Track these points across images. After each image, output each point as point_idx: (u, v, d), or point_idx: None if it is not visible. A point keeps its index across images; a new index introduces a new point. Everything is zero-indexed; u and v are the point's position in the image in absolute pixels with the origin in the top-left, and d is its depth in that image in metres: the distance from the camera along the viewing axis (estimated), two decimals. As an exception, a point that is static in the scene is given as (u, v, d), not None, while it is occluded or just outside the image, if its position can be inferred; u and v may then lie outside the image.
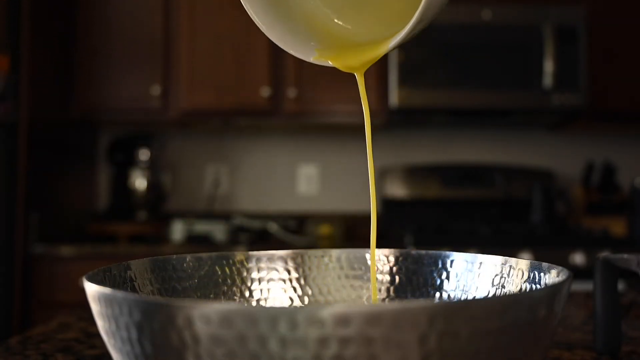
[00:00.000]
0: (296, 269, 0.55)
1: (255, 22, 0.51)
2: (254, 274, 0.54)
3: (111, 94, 2.36)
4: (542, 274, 0.44)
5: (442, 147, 2.69)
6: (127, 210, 2.47)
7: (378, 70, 2.35)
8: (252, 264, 0.54)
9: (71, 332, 0.66)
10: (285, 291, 0.55)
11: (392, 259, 0.55)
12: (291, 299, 0.55)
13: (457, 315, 0.30)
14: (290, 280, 0.55)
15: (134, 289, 0.46)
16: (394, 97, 2.27)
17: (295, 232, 2.49)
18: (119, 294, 0.32)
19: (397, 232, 2.29)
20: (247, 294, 0.54)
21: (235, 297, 0.53)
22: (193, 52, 2.35)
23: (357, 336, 0.29)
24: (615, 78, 2.37)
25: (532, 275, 0.46)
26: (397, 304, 0.29)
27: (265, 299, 0.54)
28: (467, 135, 2.69)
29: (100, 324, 0.35)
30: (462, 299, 0.51)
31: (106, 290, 0.33)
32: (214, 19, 2.35)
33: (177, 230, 2.27)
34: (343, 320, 0.29)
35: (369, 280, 0.55)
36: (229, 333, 0.30)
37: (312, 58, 0.51)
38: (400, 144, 2.68)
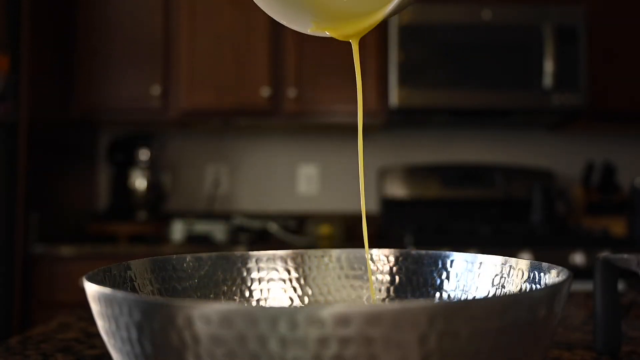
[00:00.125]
0: (296, 269, 0.55)
1: (258, 4, 0.51)
2: (254, 274, 0.54)
3: (111, 94, 2.36)
4: (542, 274, 0.44)
5: (442, 147, 2.69)
6: (127, 210, 2.47)
7: (378, 70, 2.35)
8: (252, 264, 0.54)
9: (71, 332, 0.66)
10: (285, 291, 0.55)
11: (392, 259, 0.55)
12: (291, 299, 0.55)
13: (457, 315, 0.30)
14: (290, 280, 0.55)
15: (134, 289, 0.46)
16: (394, 97, 2.27)
17: (295, 232, 2.49)
18: (119, 294, 0.32)
19: (397, 232, 2.29)
20: (247, 294, 0.54)
21: (235, 297, 0.53)
22: (193, 52, 2.35)
23: (357, 336, 0.29)
24: (615, 78, 2.38)
25: (532, 275, 0.46)
26: (397, 304, 0.29)
27: (265, 299, 0.54)
28: (467, 135, 2.69)
29: (100, 324, 0.35)
30: (462, 299, 0.51)
31: (106, 290, 0.33)
32: (214, 19, 2.35)
33: (177, 230, 2.27)
34: (343, 320, 0.29)
35: (369, 280, 0.55)
36: (229, 333, 0.30)
37: (309, 30, 0.51)
38: (400, 144, 2.68)
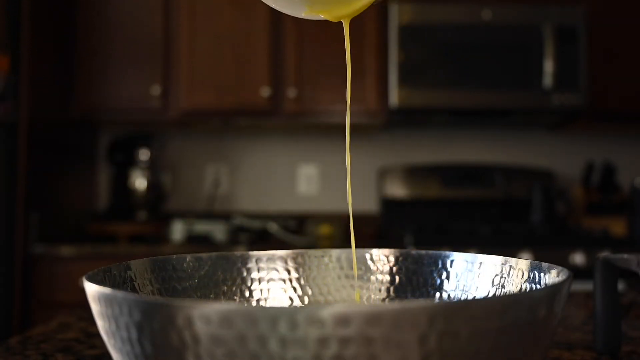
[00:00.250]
0: (296, 269, 0.55)
1: None
2: (254, 274, 0.54)
3: (111, 94, 2.36)
4: (542, 274, 0.44)
5: (442, 147, 2.69)
6: (127, 210, 2.47)
7: (378, 70, 2.35)
8: (252, 264, 0.54)
9: (71, 332, 0.66)
10: (285, 291, 0.55)
11: (392, 259, 0.55)
12: (291, 299, 0.55)
13: (457, 315, 0.30)
14: (290, 280, 0.55)
15: (134, 289, 0.46)
16: (394, 97, 2.27)
17: (295, 232, 2.49)
18: (119, 294, 0.32)
19: (397, 232, 2.29)
20: (247, 294, 0.54)
21: (235, 297, 0.53)
22: (193, 52, 2.35)
23: (357, 336, 0.29)
24: (615, 78, 2.38)
25: (532, 275, 0.46)
26: (397, 304, 0.29)
27: (265, 299, 0.54)
28: (467, 135, 2.69)
29: (100, 324, 0.35)
30: (462, 299, 0.51)
31: (106, 290, 0.33)
32: (214, 19, 2.35)
33: (177, 230, 2.27)
34: (343, 320, 0.29)
35: (369, 280, 0.55)
36: (229, 333, 0.30)
37: (303, 14, 0.52)
38: (400, 144, 2.68)
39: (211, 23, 2.36)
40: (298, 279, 0.55)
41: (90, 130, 2.60)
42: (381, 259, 0.56)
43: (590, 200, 2.50)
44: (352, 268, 0.56)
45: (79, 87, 2.36)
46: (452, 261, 0.53)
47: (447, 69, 2.29)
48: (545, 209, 2.35)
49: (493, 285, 0.49)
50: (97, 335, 0.65)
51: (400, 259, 0.55)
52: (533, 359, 0.35)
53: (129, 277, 0.46)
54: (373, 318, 0.29)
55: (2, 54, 2.01)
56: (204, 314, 0.30)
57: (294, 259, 0.55)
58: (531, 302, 0.33)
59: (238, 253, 0.54)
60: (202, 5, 2.36)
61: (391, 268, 0.55)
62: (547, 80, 2.25)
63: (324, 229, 2.45)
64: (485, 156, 2.68)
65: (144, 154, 2.47)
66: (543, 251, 2.00)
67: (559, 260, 1.98)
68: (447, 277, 0.53)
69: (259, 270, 0.55)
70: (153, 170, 2.48)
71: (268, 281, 0.55)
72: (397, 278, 0.55)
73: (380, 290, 0.55)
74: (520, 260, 0.48)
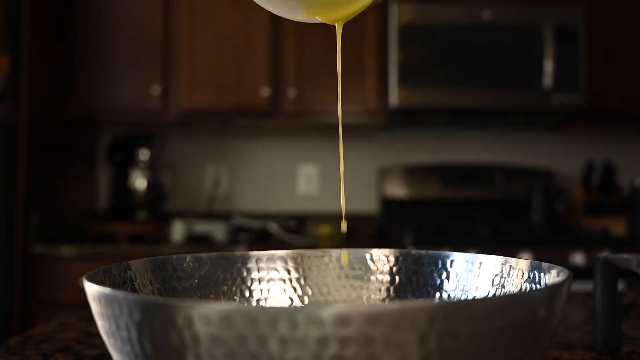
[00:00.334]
0: (296, 269, 0.55)
1: None
2: (254, 274, 0.54)
3: (111, 94, 2.36)
4: (542, 274, 0.44)
5: (442, 147, 2.69)
6: (127, 210, 2.47)
7: (378, 70, 2.35)
8: (252, 264, 0.54)
9: (71, 332, 0.66)
10: (285, 291, 0.55)
11: (392, 259, 0.55)
12: (291, 299, 0.55)
13: (457, 315, 0.30)
14: (290, 280, 0.55)
15: (134, 289, 0.46)
16: (394, 97, 2.27)
17: (295, 232, 2.49)
18: (119, 294, 0.32)
19: (397, 232, 2.29)
20: (247, 294, 0.54)
21: (235, 297, 0.53)
22: (193, 52, 2.35)
23: (357, 336, 0.29)
24: (615, 78, 2.38)
25: (532, 275, 0.46)
26: (397, 304, 0.29)
27: (265, 299, 0.54)
28: (467, 135, 2.69)
29: (100, 324, 0.35)
30: (462, 299, 0.51)
31: (106, 290, 0.33)
32: (214, 19, 2.35)
33: (177, 230, 2.27)
34: (343, 320, 0.29)
35: (369, 280, 0.55)
36: (229, 333, 0.30)
37: (299, 17, 0.52)
38: (400, 144, 2.68)
39: (211, 23, 2.36)
40: (298, 279, 0.55)
41: (90, 130, 2.60)
42: (381, 259, 0.56)
43: (590, 200, 2.50)
44: (352, 268, 0.56)
45: (79, 87, 2.36)
46: (452, 261, 0.53)
47: (447, 69, 2.29)
48: (545, 209, 2.35)
49: (493, 285, 0.49)
50: (97, 335, 0.65)
51: (400, 259, 0.55)
52: (533, 359, 0.35)
53: (129, 277, 0.46)
54: (373, 318, 0.29)
55: (2, 54, 2.01)
56: (204, 314, 0.30)
57: (294, 259, 0.55)
58: (531, 302, 0.33)
59: (238, 253, 0.54)
60: (202, 5, 2.36)
61: (391, 268, 0.55)
62: (547, 80, 2.25)
63: (324, 229, 2.45)
64: (485, 156, 2.68)
65: (144, 154, 2.47)
66: (543, 251, 2.00)
67: (559, 260, 1.98)
68: (447, 277, 0.53)
69: (259, 270, 0.55)
70: (153, 170, 2.48)
71: (268, 281, 0.55)
72: (397, 278, 0.55)
73: (380, 290, 0.55)
74: (520, 260, 0.48)
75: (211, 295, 0.52)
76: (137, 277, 0.47)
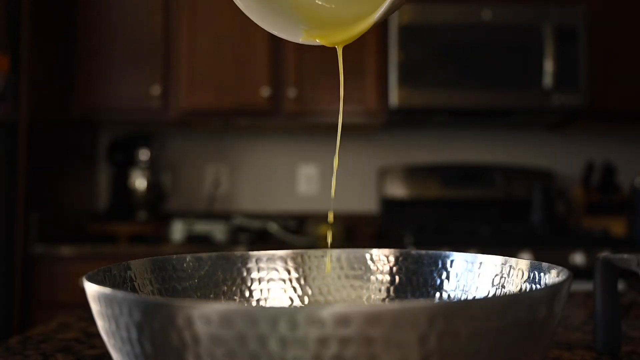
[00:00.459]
0: (296, 269, 0.55)
1: (247, 14, 0.52)
2: (254, 274, 0.54)
3: (111, 94, 2.36)
4: (542, 274, 0.44)
5: (442, 147, 2.69)
6: (127, 210, 2.47)
7: (378, 70, 2.35)
8: (252, 264, 0.54)
9: (71, 332, 0.66)
10: (285, 291, 0.55)
11: (392, 259, 0.55)
12: (291, 299, 0.55)
13: (457, 315, 0.30)
14: (290, 280, 0.55)
15: (134, 289, 0.46)
16: (394, 97, 2.27)
17: (295, 232, 2.49)
18: (119, 294, 0.32)
19: (397, 232, 2.29)
20: (247, 294, 0.54)
21: (235, 297, 0.53)
22: (193, 52, 2.35)
23: (357, 336, 0.29)
24: (615, 78, 2.38)
25: (532, 275, 0.46)
26: (397, 304, 0.29)
27: (265, 299, 0.54)
28: (467, 135, 2.69)
29: (100, 324, 0.35)
30: (462, 299, 0.51)
31: (106, 290, 0.33)
32: (214, 19, 2.35)
33: (177, 230, 2.27)
34: (343, 320, 0.29)
35: (369, 280, 0.55)
36: (229, 333, 0.30)
37: (300, 39, 0.53)
38: (400, 144, 2.68)
39: (211, 23, 2.36)
40: (298, 279, 0.55)
41: (90, 130, 2.60)
42: (381, 259, 0.56)
43: (590, 200, 2.50)
44: (352, 268, 0.56)
45: (79, 87, 2.36)
46: (452, 261, 0.53)
47: (447, 69, 2.29)
48: (545, 209, 2.35)
49: (493, 285, 0.49)
50: (97, 335, 0.65)
51: (400, 259, 0.55)
52: (533, 359, 0.35)
53: (129, 277, 0.46)
54: (373, 318, 0.29)
55: (2, 54, 2.01)
56: (204, 314, 0.30)
57: (294, 259, 0.55)
58: (531, 302, 0.33)
59: (238, 253, 0.54)
60: (202, 5, 2.36)
61: (391, 268, 0.55)
62: (547, 80, 2.25)
63: (324, 229, 2.45)
64: (485, 156, 2.68)
65: (144, 154, 2.47)
66: (543, 251, 2.00)
67: (559, 260, 1.98)
68: (447, 277, 0.53)
69: (259, 270, 0.55)
70: (153, 170, 2.48)
71: (268, 281, 0.55)
72: (397, 278, 0.55)
73: (380, 290, 0.55)
74: (520, 260, 0.48)
75: (211, 295, 0.52)
76: (137, 277, 0.47)
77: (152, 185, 2.46)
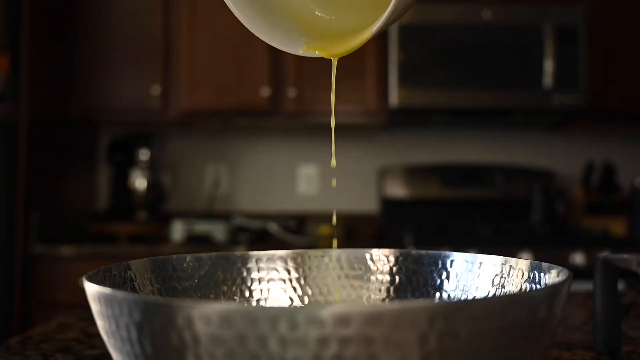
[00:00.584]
0: (296, 269, 0.55)
1: (247, 26, 0.53)
2: (254, 274, 0.54)
3: (111, 94, 2.36)
4: (542, 274, 0.44)
5: (442, 147, 2.69)
6: (127, 210, 2.47)
7: (378, 70, 2.35)
8: (252, 264, 0.54)
9: (71, 332, 0.66)
10: (285, 291, 0.55)
11: (392, 259, 0.55)
12: (291, 299, 0.55)
13: (457, 315, 0.30)
14: (290, 280, 0.55)
15: (134, 289, 0.46)
16: (394, 97, 2.27)
17: (295, 232, 2.49)
18: (119, 294, 0.32)
19: (397, 232, 2.29)
20: (247, 294, 0.54)
21: (235, 297, 0.53)
22: (193, 52, 2.35)
23: (357, 336, 0.29)
24: (615, 78, 2.38)
25: (532, 275, 0.46)
26: (397, 304, 0.29)
27: (265, 299, 0.54)
28: (467, 135, 2.69)
29: (100, 324, 0.35)
30: (462, 299, 0.51)
31: (106, 290, 0.33)
32: (214, 19, 2.35)
33: (177, 230, 2.27)
34: (343, 320, 0.29)
35: (369, 280, 0.55)
36: (229, 333, 0.30)
37: (300, 51, 0.53)
38: (400, 144, 2.68)
39: (211, 23, 2.36)
40: (298, 279, 0.55)
41: (90, 130, 2.60)
42: (381, 259, 0.56)
43: (590, 200, 2.50)
44: (352, 268, 0.56)
45: (79, 87, 2.36)
46: (452, 261, 0.53)
47: (447, 69, 2.29)
48: (545, 209, 2.35)
49: (493, 285, 0.49)
50: (97, 335, 0.65)
51: (400, 259, 0.55)
52: (533, 359, 0.35)
53: (129, 277, 0.46)
54: (373, 318, 0.29)
55: (2, 54, 2.01)
56: (204, 314, 0.30)
57: (294, 259, 0.55)
58: (531, 302, 0.33)
59: (238, 253, 0.54)
60: (202, 5, 2.36)
61: (391, 268, 0.55)
62: (547, 80, 2.25)
63: (324, 229, 2.45)
64: (485, 156, 2.68)
65: (144, 154, 2.47)
66: (543, 251, 2.00)
67: (559, 260, 1.98)
68: (447, 277, 0.53)
69: (259, 270, 0.55)
70: (153, 170, 2.48)
71: (268, 281, 0.55)
72: (397, 278, 0.55)
73: (380, 290, 0.55)
74: (520, 260, 0.48)
75: (211, 295, 0.52)
76: (137, 277, 0.47)
77: (152, 185, 2.46)
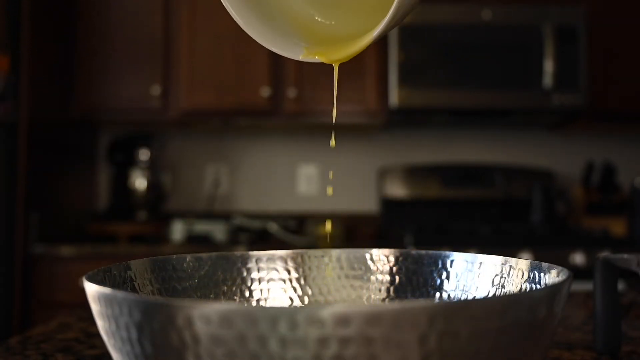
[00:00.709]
0: (296, 269, 0.55)
1: (247, 32, 0.53)
2: (254, 274, 0.54)
3: (111, 94, 2.36)
4: (542, 274, 0.44)
5: (442, 147, 2.69)
6: (127, 210, 2.47)
7: (378, 70, 2.35)
8: (252, 264, 0.54)
9: (71, 332, 0.66)
10: (285, 291, 0.55)
11: (392, 259, 0.55)
12: (291, 299, 0.55)
13: (457, 315, 0.30)
14: (290, 280, 0.55)
15: (134, 289, 0.46)
16: (394, 97, 2.27)
17: (295, 232, 2.49)
18: (119, 294, 0.32)
19: (397, 232, 2.29)
20: (247, 294, 0.54)
21: (235, 297, 0.53)
22: (193, 52, 2.35)
23: (357, 336, 0.29)
24: (615, 78, 2.37)
25: (532, 275, 0.46)
26: (397, 304, 0.29)
27: (265, 299, 0.54)
28: (467, 135, 2.69)
29: (100, 324, 0.35)
30: (462, 299, 0.51)
31: (106, 290, 0.33)
32: (214, 19, 2.35)
33: (177, 230, 2.27)
34: (343, 320, 0.29)
35: (369, 280, 0.55)
36: (229, 333, 0.30)
37: (300, 56, 0.53)
38: (400, 144, 2.68)
39: (211, 23, 2.35)
40: (298, 279, 0.55)
41: (90, 130, 2.60)
42: (381, 259, 0.56)
43: (590, 200, 2.50)
44: (352, 268, 0.56)
45: (79, 87, 2.36)
46: (452, 261, 0.53)
47: (447, 69, 2.29)
48: (545, 209, 2.35)
49: (493, 285, 0.49)
50: (97, 335, 0.65)
51: (400, 259, 0.55)
52: (533, 359, 0.35)
53: (129, 277, 0.46)
54: (373, 318, 0.29)
55: (2, 54, 2.01)
56: (204, 314, 0.30)
57: (294, 259, 0.55)
58: (531, 302, 0.33)
59: (238, 253, 0.54)
60: (202, 5, 2.36)
61: (391, 268, 0.55)
62: (547, 80, 2.25)
63: (324, 229, 2.45)
64: (485, 156, 2.68)
65: (144, 154, 2.47)
66: (543, 251, 2.00)
67: (559, 260, 1.98)
68: (447, 277, 0.53)
69: (259, 270, 0.55)
70: (153, 170, 2.48)
71: (268, 281, 0.55)
72: (397, 278, 0.55)
73: (380, 290, 0.55)
74: (520, 260, 0.48)
75: (211, 295, 0.52)
76: (137, 277, 0.47)
77: (152, 185, 2.46)
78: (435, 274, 0.54)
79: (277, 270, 0.55)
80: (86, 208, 2.54)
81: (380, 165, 2.65)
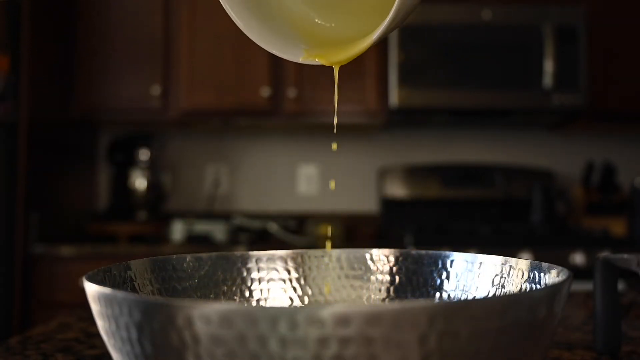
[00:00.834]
0: (296, 269, 0.55)
1: (247, 34, 0.53)
2: (254, 274, 0.54)
3: (111, 94, 2.36)
4: (542, 274, 0.44)
5: (442, 147, 2.69)
6: (127, 210, 2.47)
7: (378, 70, 2.35)
8: (252, 264, 0.54)
9: (71, 332, 0.66)
10: (285, 291, 0.55)
11: (392, 259, 0.55)
12: (291, 299, 0.55)
13: (457, 315, 0.30)
14: (290, 280, 0.55)
15: (134, 289, 0.46)
16: (394, 97, 2.27)
17: (295, 232, 2.49)
18: (119, 294, 0.32)
19: (397, 232, 2.29)
20: (247, 294, 0.54)
21: (235, 297, 0.53)
22: (193, 52, 2.35)
23: (357, 336, 0.29)
24: (615, 78, 2.37)
25: (532, 275, 0.46)
26: (397, 304, 0.29)
27: (265, 299, 0.54)
28: (467, 135, 2.69)
29: (100, 324, 0.35)
30: (462, 299, 0.51)
31: (106, 290, 0.33)
32: (214, 19, 2.35)
33: (177, 230, 2.27)
34: (343, 320, 0.29)
35: (369, 280, 0.55)
36: (229, 333, 0.30)
37: (300, 59, 0.53)
38: (400, 144, 2.68)
39: (211, 23, 2.36)
40: (298, 279, 0.55)
41: (90, 130, 2.60)
42: (381, 259, 0.56)
43: (590, 200, 2.50)
44: (352, 268, 0.56)
45: (79, 87, 2.36)
46: (452, 261, 0.53)
47: (447, 69, 2.29)
48: (545, 209, 2.35)
49: (493, 285, 0.49)
50: (97, 335, 0.65)
51: (400, 259, 0.55)
52: (533, 359, 0.35)
53: (129, 277, 0.46)
54: (373, 318, 0.29)
55: (2, 54, 2.01)
56: (204, 314, 0.30)
57: (294, 259, 0.55)
58: (531, 302, 0.33)
59: (238, 253, 0.54)
60: (202, 5, 2.36)
61: (391, 268, 0.55)
62: (547, 80, 2.25)
63: (324, 229, 2.45)
64: (485, 156, 2.68)
65: (144, 154, 2.47)
66: (543, 251, 2.00)
67: (559, 260, 1.98)
68: (447, 277, 0.53)
69: (259, 270, 0.55)
70: (153, 170, 2.48)
71: (268, 281, 0.55)
72: (397, 278, 0.55)
73: (380, 290, 0.55)
74: (520, 260, 0.48)
75: (211, 295, 0.52)
76: (137, 277, 0.47)
77: (152, 185, 2.46)
78: (435, 274, 0.54)
79: (277, 270, 0.55)
80: (86, 208, 2.54)
81: (380, 165, 2.65)
